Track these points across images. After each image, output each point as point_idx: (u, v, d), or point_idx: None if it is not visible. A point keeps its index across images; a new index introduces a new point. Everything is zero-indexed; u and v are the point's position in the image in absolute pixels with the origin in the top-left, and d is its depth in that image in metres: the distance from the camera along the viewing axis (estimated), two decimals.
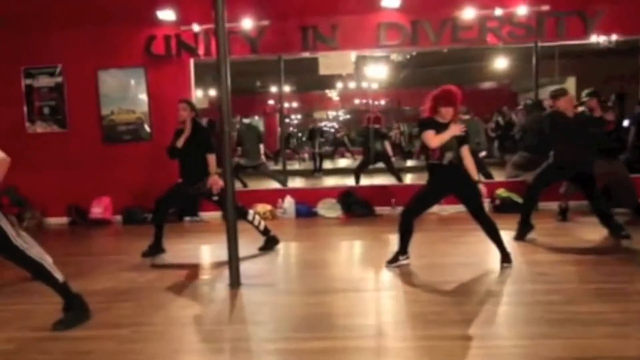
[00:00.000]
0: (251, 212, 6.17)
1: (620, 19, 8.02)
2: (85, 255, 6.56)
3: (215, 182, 5.76)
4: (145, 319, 4.06)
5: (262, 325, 3.94)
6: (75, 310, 3.99)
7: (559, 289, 4.43)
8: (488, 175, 9.02)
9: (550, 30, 8.12)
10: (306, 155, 19.12)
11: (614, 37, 8.16)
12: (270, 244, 6.18)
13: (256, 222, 6.13)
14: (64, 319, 3.94)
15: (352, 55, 9.04)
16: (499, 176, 9.33)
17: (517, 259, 5.28)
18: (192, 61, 8.59)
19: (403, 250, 5.25)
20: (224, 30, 4.84)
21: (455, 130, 4.90)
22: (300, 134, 20.76)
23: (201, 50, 8.43)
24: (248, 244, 6.50)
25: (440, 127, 4.96)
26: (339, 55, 8.59)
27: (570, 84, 14.01)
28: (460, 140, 5.02)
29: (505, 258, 5.13)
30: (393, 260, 5.24)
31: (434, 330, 3.69)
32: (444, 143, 4.94)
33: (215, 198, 5.89)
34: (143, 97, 8.66)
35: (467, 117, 10.26)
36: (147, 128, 8.69)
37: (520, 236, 6.23)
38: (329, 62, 8.65)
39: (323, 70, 8.67)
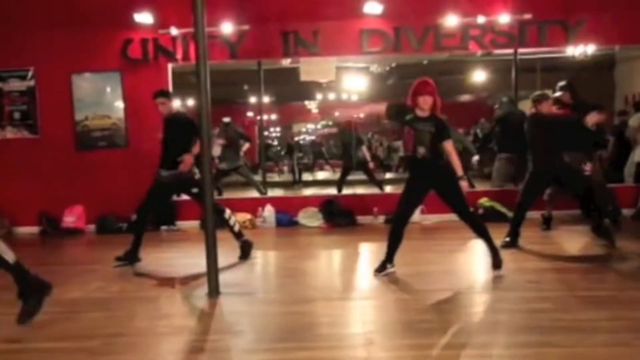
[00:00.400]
0: (228, 211, 6.00)
1: (597, 30, 8.03)
2: (57, 264, 6.23)
3: (188, 159, 5.67)
4: (117, 330, 3.81)
5: (243, 335, 3.73)
6: (34, 294, 3.75)
7: (550, 297, 4.31)
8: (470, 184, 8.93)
9: (532, 38, 8.10)
10: (285, 168, 18.95)
11: (590, 50, 8.19)
12: (245, 248, 6.00)
13: (231, 222, 5.98)
14: (25, 309, 3.72)
15: (334, 62, 8.93)
16: (480, 187, 9.25)
17: (506, 265, 5.13)
18: (169, 66, 8.37)
19: (390, 258, 5.08)
20: (204, 33, 4.70)
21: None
22: (279, 147, 20.60)
23: (179, 55, 8.22)
24: (227, 252, 6.28)
25: (416, 121, 4.88)
26: (321, 62, 8.46)
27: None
28: (434, 135, 4.85)
29: (496, 262, 5.00)
30: (381, 269, 5.06)
31: (424, 340, 3.51)
32: (416, 137, 4.85)
33: (195, 190, 5.71)
34: (119, 102, 8.40)
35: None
36: (122, 134, 8.41)
37: (509, 244, 6.10)
38: (310, 68, 8.51)
39: (304, 77, 8.53)
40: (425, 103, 4.85)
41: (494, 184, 8.57)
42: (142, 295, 4.74)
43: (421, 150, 4.85)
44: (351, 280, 5.21)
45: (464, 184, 4.98)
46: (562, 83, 6.87)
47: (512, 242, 6.11)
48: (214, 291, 4.58)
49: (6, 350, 3.50)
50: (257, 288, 5.02)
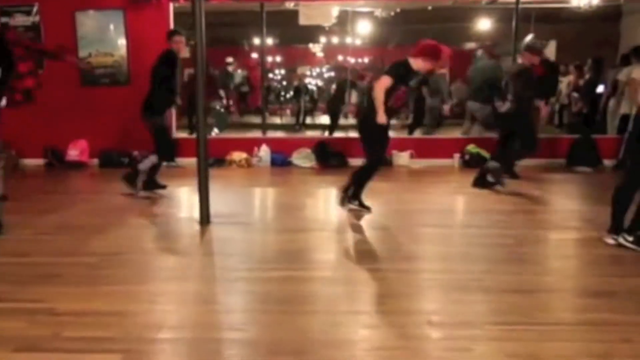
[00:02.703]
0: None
1: None
2: (61, 193, 6.65)
3: None
4: (114, 249, 4.20)
5: (230, 257, 4.11)
6: None
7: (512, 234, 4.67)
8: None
9: None
10: (288, 111, 19.09)
11: (595, 0, 8.24)
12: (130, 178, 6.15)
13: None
14: None
15: (334, 9, 9.05)
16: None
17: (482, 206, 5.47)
18: (171, 5, 8.53)
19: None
20: None
21: (383, 119, 4.89)
22: (282, 91, 20.69)
23: None
24: (223, 188, 6.67)
25: (412, 75, 5.00)
26: (320, 6, 8.59)
27: (551, 47, 14.12)
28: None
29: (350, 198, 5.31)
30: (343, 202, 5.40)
31: (387, 264, 3.91)
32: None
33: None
34: (122, 40, 8.61)
35: (442, 71, 10.49)
36: (125, 72, 8.65)
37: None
38: (310, 12, 8.64)
39: (303, 20, 8.66)
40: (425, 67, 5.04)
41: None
42: (137, 223, 5.13)
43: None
44: (337, 215, 5.52)
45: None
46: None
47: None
48: (205, 219, 4.94)
49: (17, 263, 3.90)
50: (246, 218, 5.34)
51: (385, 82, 4.86)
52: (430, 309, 3.20)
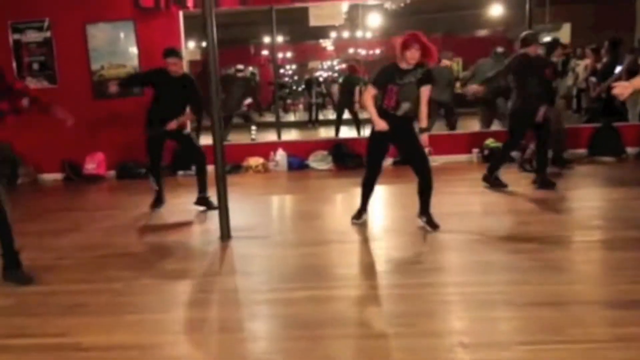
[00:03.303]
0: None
1: None
2: (80, 210, 6.68)
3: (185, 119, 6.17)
4: (137, 273, 4.19)
5: (250, 276, 4.08)
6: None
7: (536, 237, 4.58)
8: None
9: None
10: (301, 107, 19.06)
11: None
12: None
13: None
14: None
15: (344, 5, 8.96)
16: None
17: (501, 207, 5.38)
18: (181, 13, 8.50)
19: (366, 208, 5.29)
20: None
21: (381, 125, 4.75)
22: (294, 86, 20.64)
23: (190, 2, 8.33)
24: (240, 196, 6.65)
25: (400, 73, 4.76)
26: (330, 6, 8.52)
27: (565, 30, 13.88)
28: (420, 82, 4.76)
29: (429, 221, 4.92)
30: (357, 217, 5.28)
31: (410, 278, 3.85)
32: (403, 92, 4.74)
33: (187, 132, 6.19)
34: (133, 51, 8.61)
35: (448, 62, 10.38)
36: None
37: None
38: (319, 12, 8.57)
39: (313, 22, 8.60)
40: (412, 57, 4.66)
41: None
42: (158, 241, 5.14)
43: (405, 107, 4.80)
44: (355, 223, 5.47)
45: (424, 138, 4.95)
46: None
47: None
48: (225, 235, 4.93)
49: (40, 293, 3.90)
50: (268, 231, 5.29)
51: (368, 92, 4.88)
52: (458, 328, 3.14)
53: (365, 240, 4.88)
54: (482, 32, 17.36)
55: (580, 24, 12.99)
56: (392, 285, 3.79)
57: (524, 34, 6.35)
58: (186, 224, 5.66)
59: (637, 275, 3.71)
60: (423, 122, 4.94)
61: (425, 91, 4.85)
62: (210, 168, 5.19)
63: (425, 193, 4.91)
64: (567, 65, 10.08)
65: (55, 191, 8.15)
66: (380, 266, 4.24)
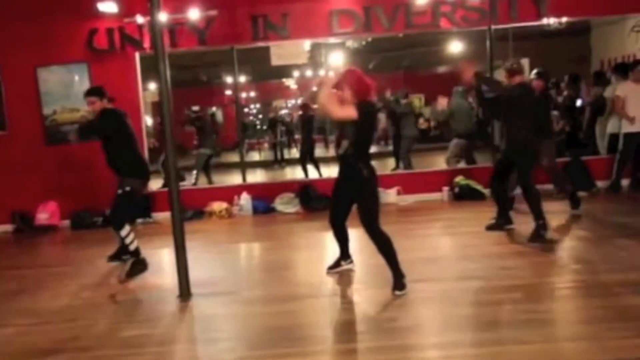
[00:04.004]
0: (127, 227, 5.33)
1: (570, 1, 7.96)
2: (27, 267, 6.13)
3: None
4: (82, 342, 3.75)
5: (214, 343, 3.68)
6: None
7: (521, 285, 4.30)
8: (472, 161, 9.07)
9: (504, 13, 8.01)
10: (266, 145, 18.81)
11: (564, 19, 8.10)
12: (134, 269, 5.33)
13: (128, 240, 5.33)
14: None
15: (306, 44, 8.81)
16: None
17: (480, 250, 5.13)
18: (137, 55, 8.19)
19: (345, 255, 4.94)
20: (159, 24, 4.51)
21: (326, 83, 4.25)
22: (258, 124, 20.43)
23: (146, 44, 8.02)
24: (202, 246, 6.26)
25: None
26: (292, 45, 8.35)
27: (524, 64, 14.06)
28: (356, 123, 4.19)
29: (398, 284, 4.32)
30: (334, 266, 4.93)
31: (388, 340, 3.50)
32: (340, 128, 4.39)
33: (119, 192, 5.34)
34: None
35: (404, 101, 10.39)
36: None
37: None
38: (281, 52, 8.38)
39: (275, 61, 8.39)
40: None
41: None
42: (109, 301, 4.69)
43: (344, 144, 4.34)
44: (325, 274, 5.10)
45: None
46: (537, 69, 7.02)
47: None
48: (185, 293, 4.53)
49: None
50: (233, 286, 4.86)
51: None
52: None
53: (337, 294, 4.54)
54: (443, 69, 17.52)
55: (541, 58, 13.15)
56: (373, 350, 3.41)
57: (509, 64, 5.95)
58: (144, 281, 5.18)
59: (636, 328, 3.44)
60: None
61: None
62: (168, 215, 4.75)
63: (384, 256, 4.42)
64: None
65: (3, 245, 7.59)
66: (357, 325, 3.88)
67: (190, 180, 9.99)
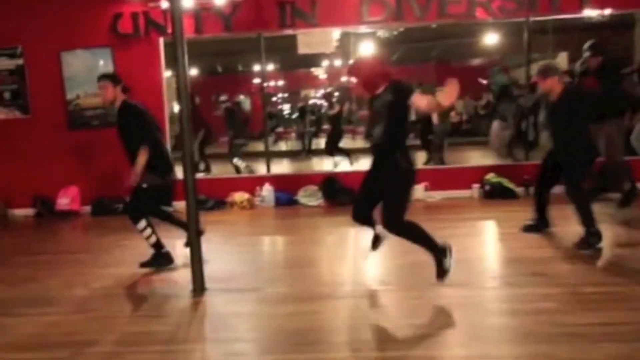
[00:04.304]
0: (143, 221, 5.04)
1: None
2: (46, 253, 6.03)
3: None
4: (90, 337, 3.58)
5: (225, 344, 3.46)
6: None
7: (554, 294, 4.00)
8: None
9: (543, 4, 7.62)
10: (293, 135, 18.62)
11: (608, 12, 7.67)
12: (158, 260, 5.09)
13: (146, 234, 5.05)
14: None
15: (335, 32, 8.54)
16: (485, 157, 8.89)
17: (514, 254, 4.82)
18: (161, 40, 8.03)
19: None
20: (180, 9, 4.34)
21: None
22: (285, 114, 20.26)
23: (170, 29, 7.81)
24: (222, 240, 6.09)
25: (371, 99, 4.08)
26: (319, 33, 8.09)
27: (562, 59, 13.56)
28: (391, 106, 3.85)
29: (439, 271, 4.11)
30: (375, 244, 4.49)
31: (412, 349, 3.25)
32: (371, 118, 3.99)
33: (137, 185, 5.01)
34: None
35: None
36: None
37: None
38: (309, 40, 8.15)
39: (302, 49, 8.17)
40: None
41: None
42: (121, 294, 4.50)
43: (377, 131, 3.95)
44: (348, 273, 4.85)
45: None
46: (589, 42, 6.35)
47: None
48: (198, 288, 4.34)
49: None
50: (250, 283, 4.64)
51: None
52: None
53: (360, 295, 4.28)
54: (477, 61, 17.06)
55: (578, 54, 12.65)
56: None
57: (545, 63, 5.37)
58: (159, 275, 4.98)
59: None
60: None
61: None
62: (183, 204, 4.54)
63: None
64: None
65: (24, 229, 7.55)
66: (379, 332, 3.61)
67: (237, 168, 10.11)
